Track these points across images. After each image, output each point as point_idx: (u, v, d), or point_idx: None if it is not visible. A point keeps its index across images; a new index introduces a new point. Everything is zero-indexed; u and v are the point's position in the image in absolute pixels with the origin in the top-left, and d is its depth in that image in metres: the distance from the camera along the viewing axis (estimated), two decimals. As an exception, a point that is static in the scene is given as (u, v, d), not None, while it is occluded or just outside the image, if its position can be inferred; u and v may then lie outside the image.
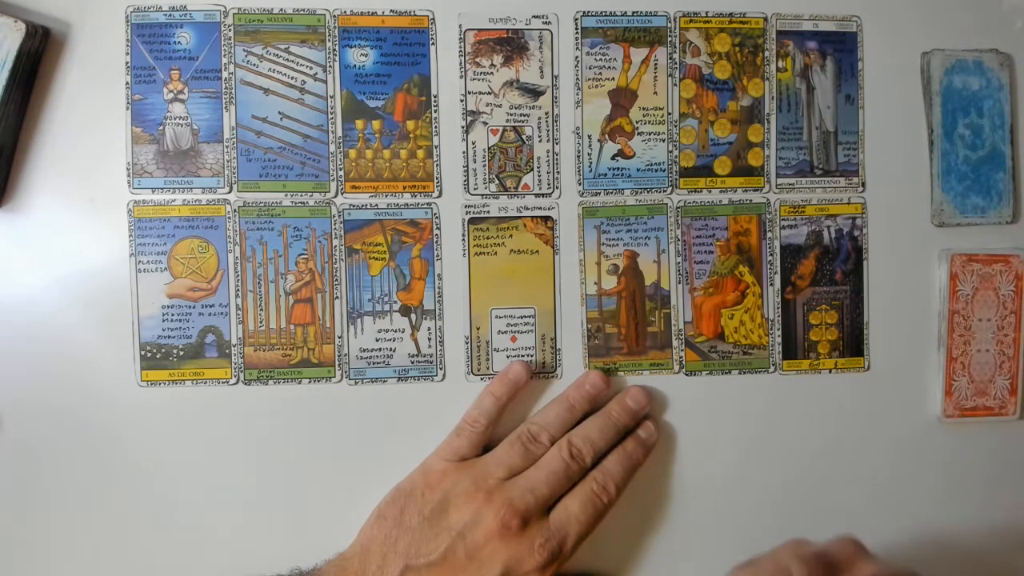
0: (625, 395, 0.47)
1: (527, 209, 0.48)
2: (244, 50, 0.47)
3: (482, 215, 0.48)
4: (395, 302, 0.48)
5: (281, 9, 0.47)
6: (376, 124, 0.47)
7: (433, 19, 0.47)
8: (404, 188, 0.47)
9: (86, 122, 0.46)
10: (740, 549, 0.49)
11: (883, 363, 0.50)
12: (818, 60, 0.49)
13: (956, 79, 0.49)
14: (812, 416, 0.49)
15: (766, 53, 0.49)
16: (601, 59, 0.48)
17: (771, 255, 0.49)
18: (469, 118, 0.48)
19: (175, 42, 0.46)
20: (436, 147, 0.48)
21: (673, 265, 0.49)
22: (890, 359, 0.50)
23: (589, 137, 0.48)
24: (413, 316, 0.48)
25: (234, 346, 0.47)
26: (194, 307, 0.47)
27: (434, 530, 0.42)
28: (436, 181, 0.48)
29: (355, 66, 0.47)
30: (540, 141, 0.48)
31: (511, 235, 0.48)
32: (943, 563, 0.51)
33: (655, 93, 0.49)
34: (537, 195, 0.48)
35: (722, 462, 0.49)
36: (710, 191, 0.49)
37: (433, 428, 0.46)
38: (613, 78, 0.48)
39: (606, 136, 0.48)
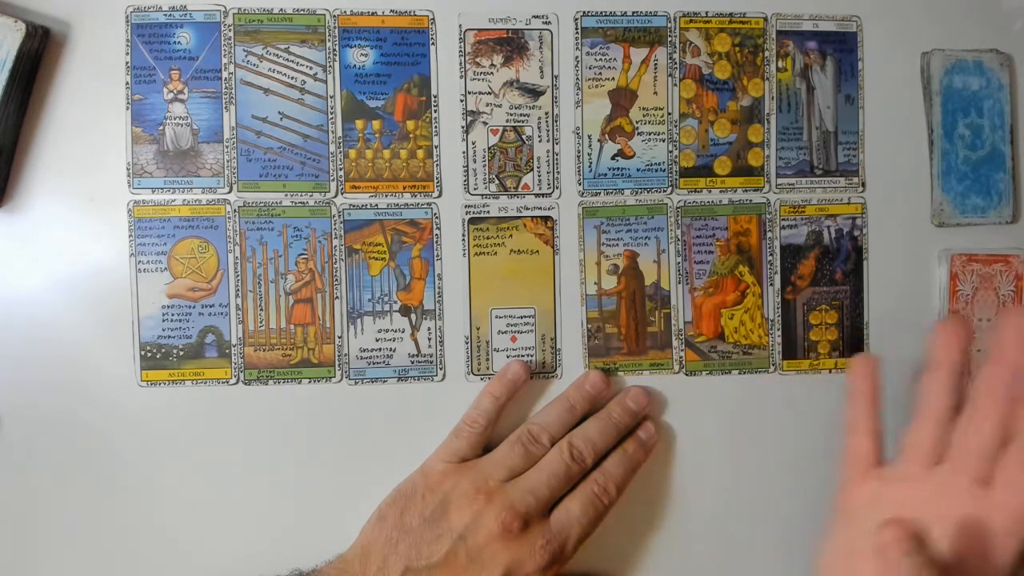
0: (625, 396, 0.47)
1: (527, 209, 0.48)
2: (244, 50, 0.47)
3: (482, 215, 0.48)
4: (395, 302, 0.48)
5: (281, 9, 0.47)
6: (376, 124, 0.47)
7: (433, 19, 0.47)
8: (404, 188, 0.47)
9: (86, 122, 0.46)
10: (740, 549, 0.50)
11: (883, 363, 0.50)
12: (818, 60, 0.49)
13: (956, 79, 0.49)
14: (812, 416, 0.49)
15: (766, 53, 0.49)
16: (601, 59, 0.48)
17: (771, 255, 0.49)
18: (469, 118, 0.48)
19: (175, 42, 0.46)
20: (436, 147, 0.48)
21: (673, 265, 0.49)
22: (890, 359, 0.50)
23: (589, 137, 0.48)
24: (413, 316, 0.48)
25: (234, 346, 0.47)
26: (194, 307, 0.47)
27: (435, 532, 0.42)
28: (436, 181, 0.48)
29: (355, 66, 0.47)
30: (540, 141, 0.48)
31: (511, 235, 0.48)
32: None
33: (655, 93, 0.49)
34: (537, 195, 0.48)
35: (722, 462, 0.49)
36: (710, 191, 0.49)
37: (433, 428, 0.46)
38: (613, 78, 0.48)
39: (606, 136, 0.48)
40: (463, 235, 0.48)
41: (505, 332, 0.48)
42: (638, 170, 0.49)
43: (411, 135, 0.47)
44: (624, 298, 0.49)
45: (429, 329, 0.48)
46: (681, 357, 0.49)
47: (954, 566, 0.36)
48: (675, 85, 0.49)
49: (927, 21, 0.50)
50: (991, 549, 0.37)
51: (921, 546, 0.33)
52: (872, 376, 0.44)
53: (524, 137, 0.48)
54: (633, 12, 0.48)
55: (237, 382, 0.47)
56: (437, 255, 0.48)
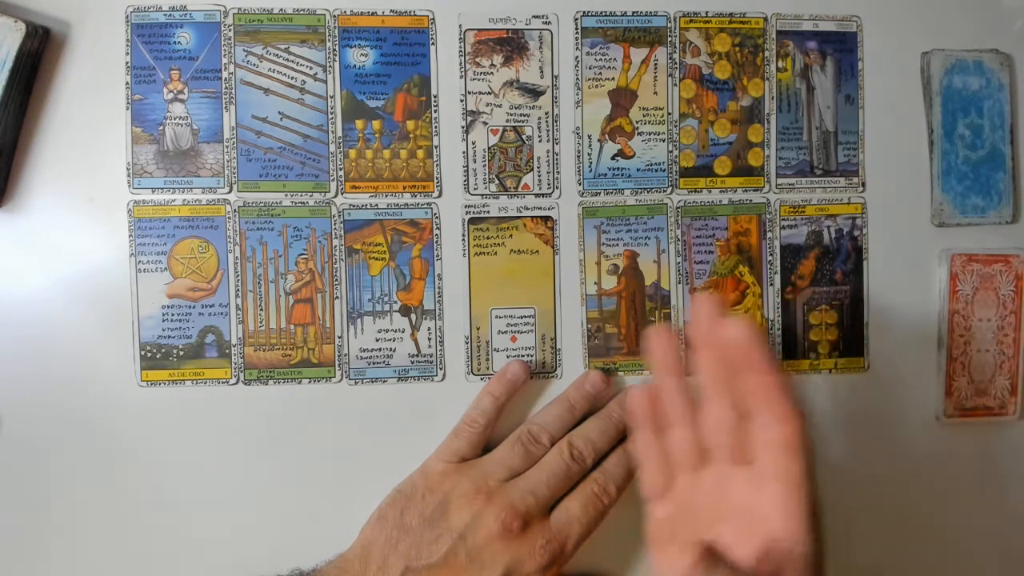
0: (625, 395, 0.47)
1: (527, 209, 0.48)
2: (244, 50, 0.47)
3: (482, 215, 0.48)
4: (395, 302, 0.48)
5: (281, 9, 0.47)
6: (376, 124, 0.47)
7: (433, 19, 0.47)
8: (404, 188, 0.47)
9: (86, 122, 0.46)
10: (740, 549, 0.49)
11: (883, 363, 0.50)
12: (818, 60, 0.49)
13: (956, 79, 0.49)
14: (812, 416, 0.49)
15: (766, 53, 0.49)
16: (601, 59, 0.48)
17: (771, 255, 0.49)
18: (469, 118, 0.48)
19: (175, 42, 0.46)
20: (436, 147, 0.48)
21: (673, 265, 0.49)
22: (890, 359, 0.50)
23: (589, 137, 0.48)
24: (413, 316, 0.48)
25: (234, 346, 0.47)
26: (194, 307, 0.47)
27: (435, 532, 0.42)
28: (436, 181, 0.48)
29: (355, 66, 0.47)
30: (540, 141, 0.48)
31: (511, 235, 0.48)
32: (943, 563, 0.51)
33: (655, 93, 0.49)
34: (537, 195, 0.48)
35: (722, 462, 0.49)
36: (710, 191, 0.49)
37: (433, 428, 0.46)
38: (613, 78, 0.48)
39: (606, 136, 0.48)
40: (463, 235, 0.48)
41: (505, 332, 0.48)
42: (638, 170, 0.49)
43: (411, 135, 0.47)
44: (624, 298, 0.49)
45: (429, 329, 0.48)
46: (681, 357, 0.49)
47: (764, 558, 0.35)
48: (675, 85, 0.49)
49: (927, 21, 0.50)
50: (785, 529, 0.35)
51: (716, 561, 0.33)
52: (650, 407, 0.40)
53: (524, 137, 0.48)
54: (633, 12, 0.48)
55: (237, 382, 0.47)
56: (437, 255, 0.48)
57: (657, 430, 0.40)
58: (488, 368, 0.48)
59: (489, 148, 0.48)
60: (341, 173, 0.47)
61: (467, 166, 0.48)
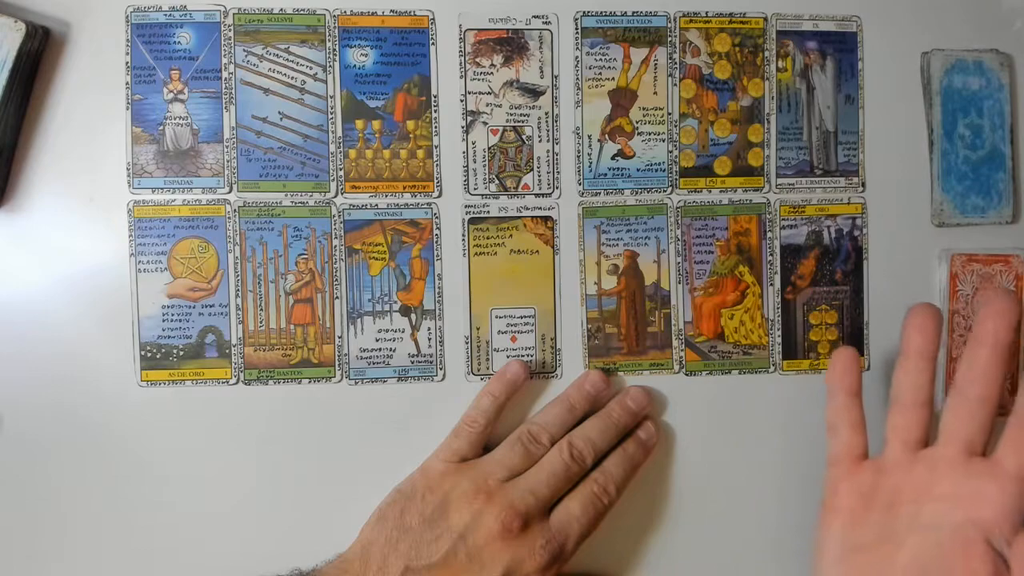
0: (625, 395, 0.47)
1: (527, 209, 0.48)
2: (244, 50, 0.47)
3: (482, 215, 0.48)
4: (395, 302, 0.48)
5: (281, 9, 0.47)
6: (376, 124, 0.47)
7: (433, 19, 0.47)
8: (404, 188, 0.47)
9: (86, 122, 0.46)
10: (740, 549, 0.50)
11: (883, 363, 0.50)
12: (818, 60, 0.49)
13: (956, 79, 0.49)
14: (812, 416, 0.49)
15: (766, 53, 0.49)
16: (601, 59, 0.48)
17: (771, 255, 0.49)
18: (469, 118, 0.48)
19: (175, 42, 0.46)
20: (436, 147, 0.48)
21: (673, 265, 0.49)
22: (890, 359, 0.50)
23: (589, 137, 0.48)
24: (413, 316, 0.48)
25: (234, 346, 0.47)
26: (194, 307, 0.47)
27: (435, 532, 0.42)
28: (436, 181, 0.48)
29: (355, 66, 0.47)
30: (540, 141, 0.48)
31: (511, 235, 0.48)
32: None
33: (655, 93, 0.49)
34: (537, 195, 0.48)
35: (722, 462, 0.49)
36: (710, 191, 0.49)
37: (433, 428, 0.46)
38: (613, 78, 0.48)
39: (606, 136, 0.48)
40: (463, 235, 0.48)
41: (505, 332, 0.48)
42: (638, 170, 0.49)
43: (411, 135, 0.47)
44: (624, 298, 0.49)
45: (429, 329, 0.48)
46: (681, 357, 0.49)
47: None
48: (675, 85, 0.49)
49: (927, 21, 0.50)
50: (1003, 526, 0.37)
51: None
52: (853, 371, 0.43)
53: (524, 137, 0.48)
54: (633, 12, 0.48)
55: (237, 382, 0.47)
56: (437, 255, 0.48)
57: (857, 395, 0.43)
58: (488, 368, 0.48)
59: (489, 148, 0.48)
60: (341, 173, 0.47)
61: (467, 166, 0.48)
